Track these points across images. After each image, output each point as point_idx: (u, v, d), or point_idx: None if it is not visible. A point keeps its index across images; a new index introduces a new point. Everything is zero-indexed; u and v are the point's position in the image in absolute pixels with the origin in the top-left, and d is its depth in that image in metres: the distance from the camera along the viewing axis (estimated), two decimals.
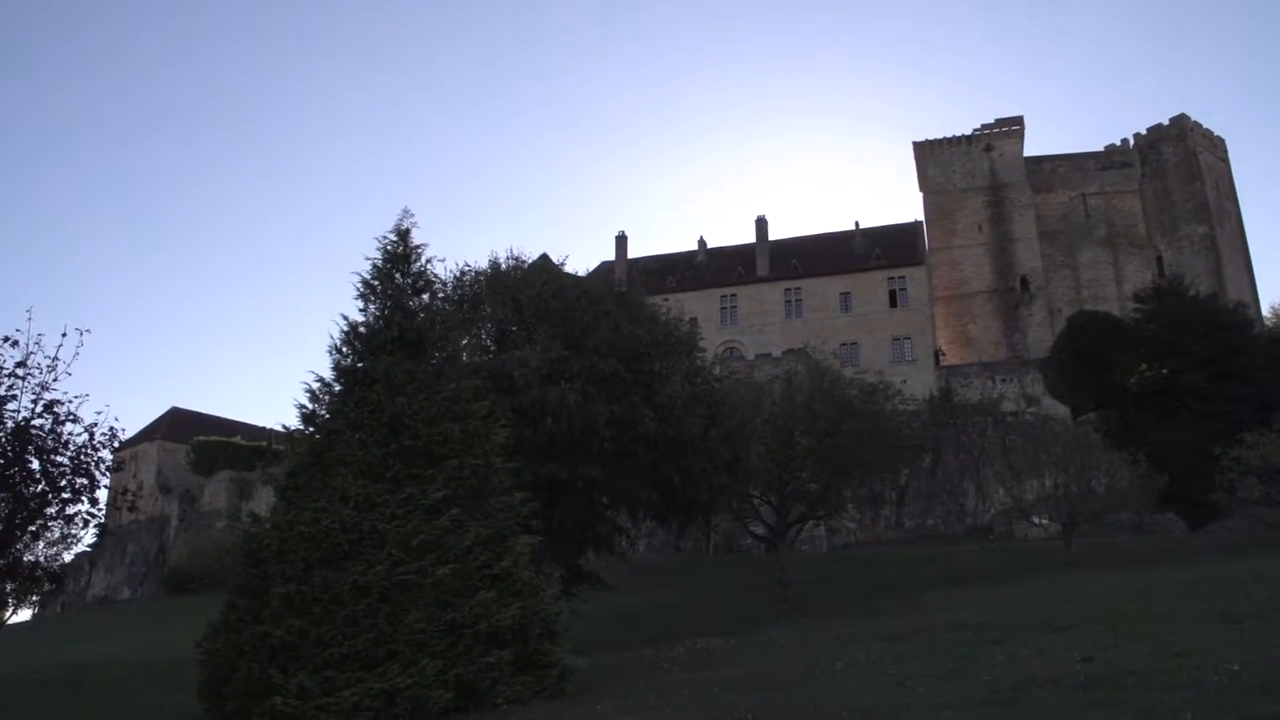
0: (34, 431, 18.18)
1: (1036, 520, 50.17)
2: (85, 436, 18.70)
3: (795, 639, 22.88)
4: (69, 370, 18.58)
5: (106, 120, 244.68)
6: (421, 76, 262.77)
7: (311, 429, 17.68)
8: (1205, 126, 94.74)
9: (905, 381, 64.69)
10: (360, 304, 18.77)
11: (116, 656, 35.66)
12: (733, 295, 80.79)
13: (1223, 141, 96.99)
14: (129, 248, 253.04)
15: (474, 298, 29.84)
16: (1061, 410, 64.97)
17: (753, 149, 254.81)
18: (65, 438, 18.48)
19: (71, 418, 18.53)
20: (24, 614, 54.98)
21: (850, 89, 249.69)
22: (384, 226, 25.95)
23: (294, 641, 14.65)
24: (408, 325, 18.28)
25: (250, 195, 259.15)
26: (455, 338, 22.04)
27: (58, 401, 18.46)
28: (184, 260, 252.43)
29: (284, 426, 18.83)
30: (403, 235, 19.39)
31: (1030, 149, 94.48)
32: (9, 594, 22.89)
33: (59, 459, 18.42)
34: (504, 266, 31.07)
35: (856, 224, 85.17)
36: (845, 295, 78.23)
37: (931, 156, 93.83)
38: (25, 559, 20.36)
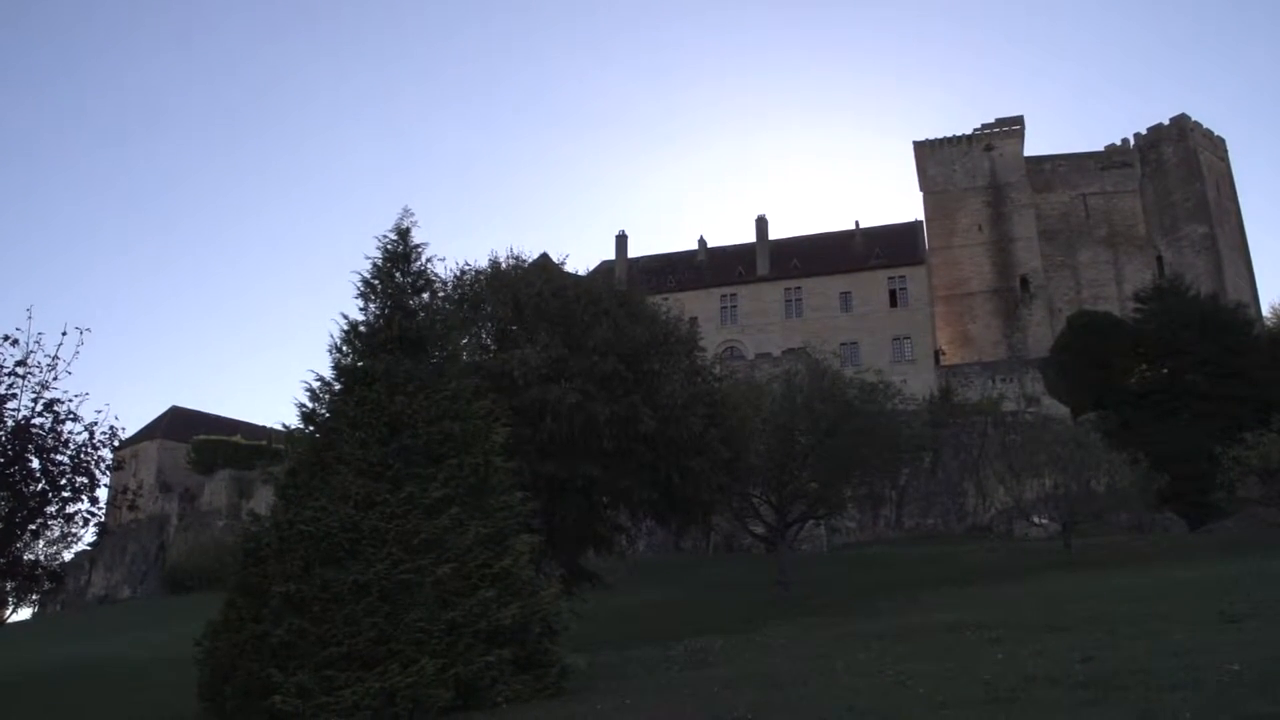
0: (34, 430, 18.19)
1: (1036, 520, 50.21)
2: (85, 435, 18.71)
3: (795, 638, 22.88)
4: (69, 369, 18.59)
5: (107, 119, 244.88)
6: (421, 75, 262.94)
7: (311, 428, 17.69)
8: (1205, 126, 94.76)
9: (905, 381, 64.64)
10: (360, 303, 18.79)
11: (116, 655, 35.68)
12: (733, 295, 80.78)
13: (1223, 141, 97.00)
14: (129, 247, 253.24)
15: (474, 297, 29.84)
16: (1061, 410, 64.94)
17: (753, 148, 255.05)
18: (65, 436, 18.49)
19: (71, 416, 18.54)
20: (24, 613, 55.09)
21: (850, 88, 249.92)
22: (384, 225, 25.98)
23: (294, 640, 14.66)
24: (408, 324, 18.29)
25: (250, 194, 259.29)
26: (455, 337, 22.02)
27: (58, 400, 18.47)
28: (184, 259, 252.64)
29: (284, 425, 18.84)
30: (403, 234, 19.40)
31: (1030, 149, 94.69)
32: (9, 593, 22.91)
33: (59, 458, 18.42)
34: (504, 266, 31.08)
35: (857, 223, 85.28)
36: (845, 295, 78.21)
37: (932, 156, 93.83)
38: (25, 558, 20.36)
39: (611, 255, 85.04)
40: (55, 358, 18.44)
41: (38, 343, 18.40)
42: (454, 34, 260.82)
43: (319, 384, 17.99)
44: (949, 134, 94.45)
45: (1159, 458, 48.41)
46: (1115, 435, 52.41)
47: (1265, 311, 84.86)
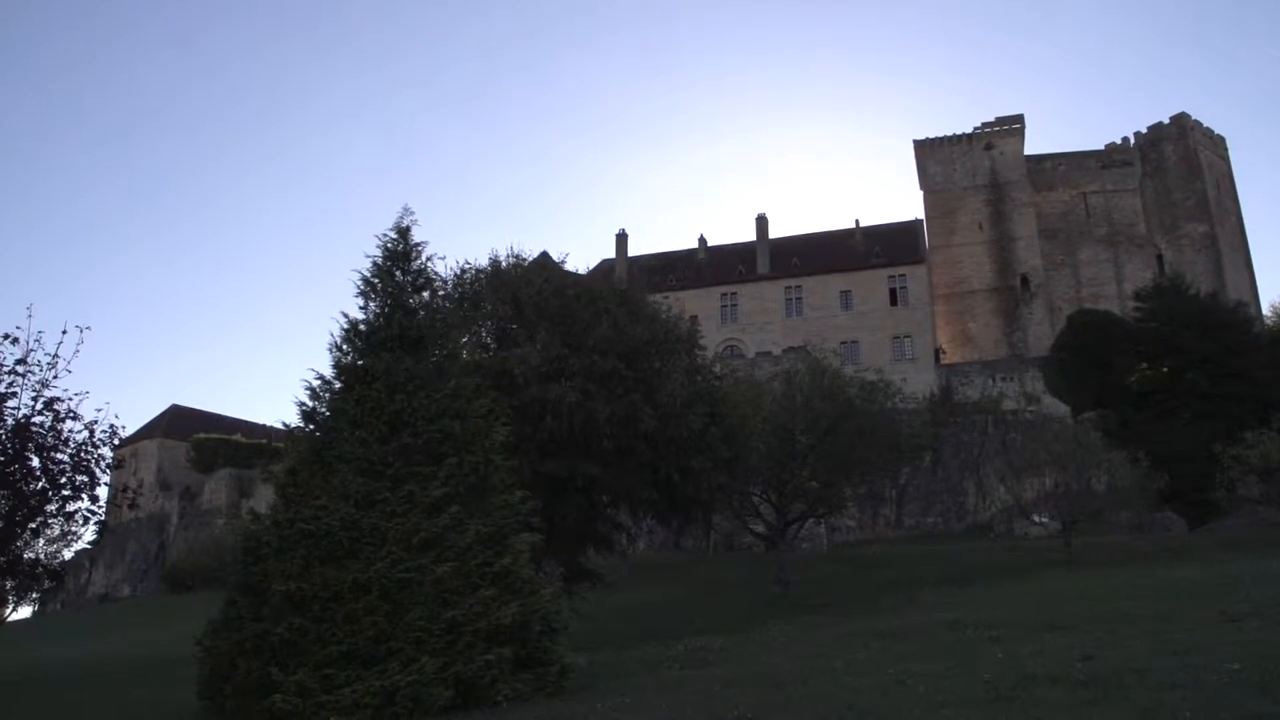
0: (34, 429, 18.21)
1: (1036, 519, 50.16)
2: (85, 434, 18.75)
3: (795, 637, 22.89)
4: (69, 367, 18.64)
5: (107, 118, 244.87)
6: (421, 74, 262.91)
7: (312, 426, 17.70)
8: (1206, 125, 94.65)
9: (905, 380, 64.72)
10: (360, 302, 18.81)
11: (117, 654, 35.70)
12: (733, 293, 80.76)
13: (1223, 140, 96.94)
14: (129, 245, 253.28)
15: (474, 295, 29.85)
16: (1061, 409, 64.92)
17: (753, 147, 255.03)
18: (65, 435, 18.52)
19: (71, 415, 18.57)
20: (24, 611, 55.14)
21: (851, 87, 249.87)
22: (384, 224, 25.98)
23: (294, 639, 14.66)
24: (408, 323, 18.30)
25: (251, 193, 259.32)
26: (455, 335, 22.05)
27: (58, 399, 18.50)
28: (184, 258, 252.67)
29: (284, 424, 18.84)
30: (403, 233, 19.40)
31: (1031, 147, 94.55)
32: (9, 591, 22.97)
33: (59, 456, 18.45)
34: (504, 264, 31.08)
35: (857, 222, 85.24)
36: (845, 293, 78.19)
37: (932, 155, 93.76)
38: (26, 556, 20.40)
39: (611, 254, 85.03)
40: (55, 356, 18.49)
41: (38, 341, 18.45)
42: (454, 33, 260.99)
43: (319, 382, 18.00)
44: (949, 133, 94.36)
45: (1159, 457, 48.43)
46: (1115, 434, 52.46)
47: (1265, 310, 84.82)
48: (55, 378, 18.49)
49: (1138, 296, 73.98)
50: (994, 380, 71.39)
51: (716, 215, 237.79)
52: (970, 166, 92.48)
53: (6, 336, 18.24)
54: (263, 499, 64.22)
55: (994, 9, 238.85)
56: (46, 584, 23.12)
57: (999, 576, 36.37)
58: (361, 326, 18.40)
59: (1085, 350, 67.44)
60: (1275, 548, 36.10)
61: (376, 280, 18.92)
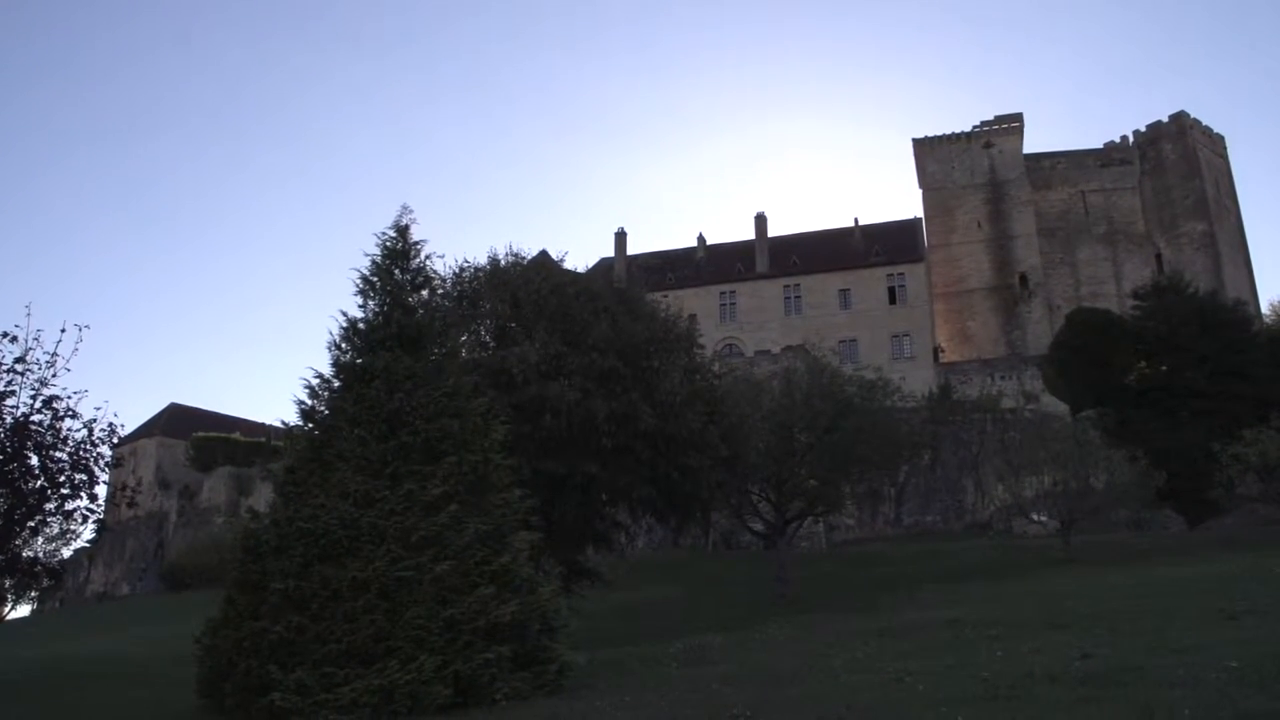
0: (33, 427, 18.22)
1: (1035, 517, 50.17)
2: (84, 432, 18.77)
3: (794, 635, 22.90)
4: (68, 366, 18.66)
5: (106, 117, 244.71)
6: (420, 73, 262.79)
7: (310, 425, 17.71)
8: (1205, 124, 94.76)
9: (904, 378, 64.68)
10: (359, 300, 18.81)
11: (115, 652, 35.65)
12: (732, 292, 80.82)
13: (1222, 139, 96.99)
14: (128, 244, 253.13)
15: (473, 294, 29.85)
16: (1060, 407, 64.92)
17: (752, 146, 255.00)
18: (64, 433, 18.54)
19: (70, 413, 18.58)
20: (23, 609, 55.03)
21: (850, 86, 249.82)
22: (383, 223, 25.99)
23: (293, 637, 14.67)
24: (407, 322, 18.30)
25: (250, 191, 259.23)
26: (454, 334, 22.07)
27: (57, 397, 18.52)
28: (183, 256, 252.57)
29: (283, 422, 18.86)
30: (402, 231, 19.40)
31: (1030, 146, 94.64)
32: (8, 589, 22.94)
33: (58, 455, 18.47)
34: (503, 263, 31.07)
35: (856, 221, 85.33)
36: (844, 292, 78.26)
37: (931, 153, 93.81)
38: (24, 555, 20.40)
39: (610, 252, 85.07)
40: (54, 355, 18.50)
41: (36, 340, 18.46)
42: (453, 31, 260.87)
43: (318, 381, 18.01)
44: (948, 131, 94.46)
45: (1158, 455, 48.38)
46: (1114, 433, 52.42)
47: (1264, 309, 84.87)
48: (54, 376, 18.52)
49: (1136, 295, 73.96)
50: (993, 379, 71.43)
51: (715, 214, 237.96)
52: (969, 165, 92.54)
53: (5, 335, 18.26)
54: (261, 497, 64.30)
55: (993, 8, 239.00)
56: (45, 582, 23.11)
57: (998, 575, 36.39)
58: (360, 325, 18.40)
59: (1084, 349, 67.40)
60: (1274, 546, 36.12)
61: (375, 279, 18.92)
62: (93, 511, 19.53)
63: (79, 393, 18.79)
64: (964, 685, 12.27)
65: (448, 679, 14.48)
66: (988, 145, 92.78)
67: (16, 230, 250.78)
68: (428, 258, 19.74)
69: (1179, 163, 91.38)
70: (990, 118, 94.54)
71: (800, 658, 17.51)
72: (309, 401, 17.87)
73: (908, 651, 16.77)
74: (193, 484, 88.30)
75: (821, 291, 78.68)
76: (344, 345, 18.30)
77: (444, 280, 28.66)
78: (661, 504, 30.81)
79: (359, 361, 17.90)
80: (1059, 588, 28.82)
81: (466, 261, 30.86)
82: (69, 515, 19.18)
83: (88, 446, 18.75)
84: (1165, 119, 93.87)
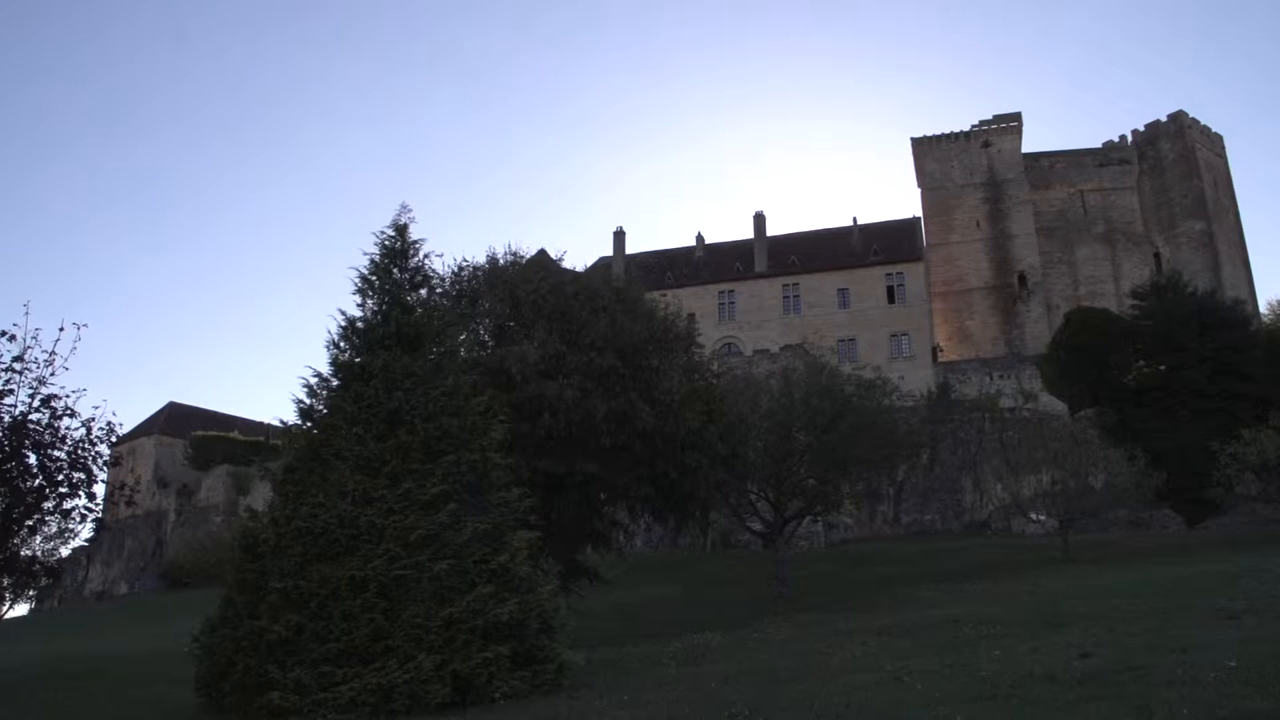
0: (31, 426, 18.18)
1: (1034, 516, 50.21)
2: (83, 431, 18.73)
3: (792, 634, 22.91)
4: (66, 365, 18.61)
5: (104, 115, 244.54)
6: (419, 73, 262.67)
7: (309, 424, 17.70)
8: (1203, 123, 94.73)
9: (903, 377, 64.77)
10: (358, 299, 18.82)
11: (114, 651, 35.62)
12: (731, 291, 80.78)
13: (1221, 138, 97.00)
14: (126, 242, 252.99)
15: (472, 293, 29.84)
16: (1059, 406, 64.95)
17: (751, 145, 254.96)
18: (62, 432, 18.49)
19: (69, 412, 18.54)
20: (21, 609, 55.00)
21: (849, 85, 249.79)
22: (382, 222, 25.97)
23: (291, 636, 14.67)
24: (405, 320, 18.29)
25: (249, 189, 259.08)
26: (453, 333, 22.04)
27: (55, 396, 18.46)
28: (182, 255, 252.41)
29: (282, 421, 18.86)
30: (400, 230, 19.41)
31: (1028, 145, 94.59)
32: (7, 588, 22.89)
33: (56, 453, 18.43)
34: (502, 262, 31.06)
35: (855, 220, 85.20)
36: (843, 291, 78.20)
37: (930, 153, 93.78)
38: (23, 553, 20.36)
39: (609, 251, 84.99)
40: (52, 353, 18.46)
41: (35, 338, 18.42)
42: (451, 29, 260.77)
43: (317, 380, 18.01)
44: (947, 130, 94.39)
45: (1156, 454, 48.42)
46: (1113, 432, 52.45)
47: (1263, 308, 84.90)
48: (52, 375, 18.47)
49: (1135, 294, 73.99)
50: (991, 378, 71.40)
51: (714, 213, 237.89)
52: (968, 164, 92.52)
53: (3, 334, 18.22)
54: (260, 496, 64.22)
55: (992, 7, 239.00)
56: (43, 581, 23.08)
57: (997, 574, 36.41)
58: (359, 324, 18.40)
59: (1082, 348, 67.40)
60: (1272, 545, 36.17)
61: (374, 278, 18.92)
62: (91, 510, 19.51)
63: (77, 391, 18.77)
64: (963, 684, 12.27)
65: (446, 678, 14.48)
66: (986, 144, 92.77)
67: (14, 228, 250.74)
68: (426, 256, 19.77)
69: (1177, 162, 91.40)
70: (989, 117, 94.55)
71: (799, 657, 17.51)
72: (307, 400, 17.87)
73: (906, 651, 16.77)
74: (191, 483, 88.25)
75: (820, 291, 78.64)
76: (342, 344, 18.31)
77: (442, 279, 28.67)
78: (660, 503, 30.81)
79: (357, 360, 17.90)
80: (1057, 587, 28.84)
81: (465, 260, 30.89)
82: (67, 514, 19.16)
83: (86, 445, 18.72)
84: (1164, 118, 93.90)
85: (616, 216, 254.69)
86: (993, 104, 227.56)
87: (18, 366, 18.25)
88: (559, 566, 27.66)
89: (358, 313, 18.60)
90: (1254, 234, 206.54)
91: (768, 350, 70.11)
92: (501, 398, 23.06)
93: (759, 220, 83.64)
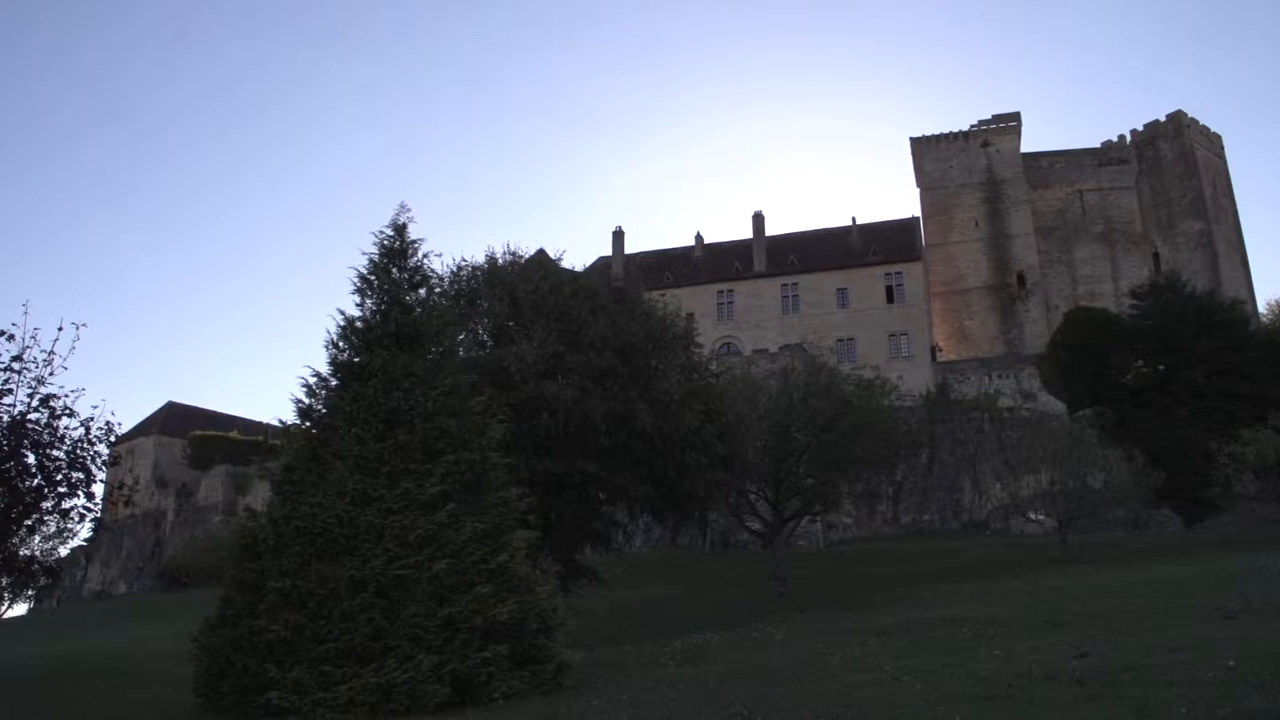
0: (30, 425, 18.14)
1: (1033, 516, 50.24)
2: (81, 430, 18.67)
3: (791, 634, 22.90)
4: (65, 364, 18.54)
5: (103, 114, 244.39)
6: (418, 72, 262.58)
7: (308, 424, 17.69)
8: (1202, 123, 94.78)
9: (902, 377, 64.78)
10: (357, 299, 18.79)
11: (112, 651, 35.60)
12: (730, 291, 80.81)
13: (1219, 138, 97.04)
14: (125, 241, 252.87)
15: (471, 293, 29.84)
16: (1058, 406, 64.98)
17: (750, 145, 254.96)
18: (61, 432, 18.44)
19: (67, 412, 18.49)
20: (20, 608, 55.01)
21: (848, 85, 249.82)
22: (381, 221, 25.98)
23: (290, 636, 14.65)
24: (404, 320, 18.28)
25: (248, 189, 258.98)
26: (452, 333, 22.02)
27: (54, 395, 18.42)
28: (181, 254, 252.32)
29: (280, 421, 18.83)
30: (399, 230, 19.39)
31: (1027, 145, 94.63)
32: (5, 588, 22.87)
33: (55, 453, 18.38)
34: (501, 262, 31.07)
35: (853, 220, 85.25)
36: (842, 291, 78.23)
37: (929, 152, 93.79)
38: (21, 553, 20.34)
39: (608, 251, 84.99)
40: (51, 353, 18.40)
41: (33, 338, 18.36)
42: (450, 29, 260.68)
43: (315, 379, 18.00)
44: (946, 130, 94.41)
45: (1155, 454, 48.44)
46: (1111, 431, 52.45)
47: (1261, 308, 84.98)
48: (51, 374, 18.40)
49: (1134, 294, 74.05)
50: (990, 377, 71.44)
51: (713, 213, 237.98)
52: (967, 164, 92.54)
53: (2, 333, 18.17)
54: (259, 496, 64.23)
55: (991, 6, 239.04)
56: (42, 581, 23.04)
57: (995, 574, 36.40)
58: (358, 323, 18.39)
59: (1081, 348, 67.44)
60: (1271, 545, 36.16)
61: (373, 277, 18.91)
62: (90, 510, 19.45)
63: (76, 391, 18.70)
64: (961, 684, 12.28)
65: (445, 678, 14.47)
66: (985, 144, 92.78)
67: (14, 227, 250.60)
68: (425, 256, 19.75)
69: (1176, 162, 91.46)
70: (988, 117, 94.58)
71: (798, 657, 17.52)
72: (306, 400, 17.86)
73: (905, 650, 16.78)
74: (190, 482, 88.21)
75: (819, 290, 78.67)
76: (341, 344, 18.29)
77: (442, 279, 28.67)
78: (659, 503, 30.81)
79: (356, 360, 17.89)
80: (1056, 587, 28.84)
81: (464, 260, 30.91)
82: (66, 514, 19.10)
83: (85, 445, 18.67)
84: (1162, 118, 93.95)
85: (615, 216, 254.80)
86: (992, 104, 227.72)
87: (16, 366, 18.21)
88: (558, 566, 27.69)
89: (356, 312, 18.58)
90: (1253, 234, 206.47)
91: (767, 350, 70.11)
92: (500, 397, 23.04)
93: (758, 220, 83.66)
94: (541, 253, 35.67)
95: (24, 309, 18.49)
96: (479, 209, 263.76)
